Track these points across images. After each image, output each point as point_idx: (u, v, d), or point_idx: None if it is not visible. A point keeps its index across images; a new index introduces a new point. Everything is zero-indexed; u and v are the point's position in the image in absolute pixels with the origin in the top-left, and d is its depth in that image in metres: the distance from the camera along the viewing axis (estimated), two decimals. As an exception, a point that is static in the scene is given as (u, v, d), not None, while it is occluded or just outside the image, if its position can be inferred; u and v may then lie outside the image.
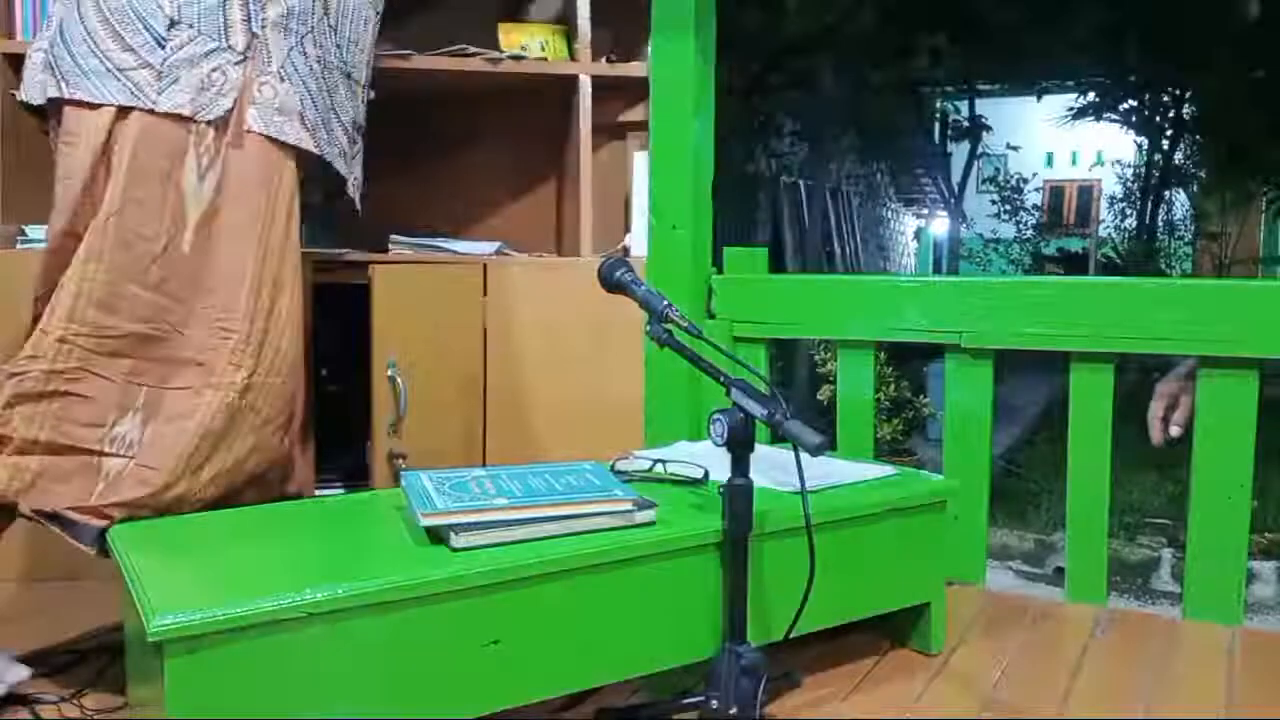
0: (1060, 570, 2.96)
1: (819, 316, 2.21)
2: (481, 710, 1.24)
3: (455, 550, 1.25)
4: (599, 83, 2.55)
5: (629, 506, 1.36)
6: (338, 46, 1.76)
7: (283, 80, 1.66)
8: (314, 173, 1.78)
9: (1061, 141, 13.52)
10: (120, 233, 1.55)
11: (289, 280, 1.66)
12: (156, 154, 1.58)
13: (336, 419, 2.38)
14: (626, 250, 2.55)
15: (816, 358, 5.76)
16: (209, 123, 1.61)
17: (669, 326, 1.44)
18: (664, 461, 1.62)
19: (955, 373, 2.06)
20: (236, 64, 1.62)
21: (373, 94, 1.97)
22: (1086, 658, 1.71)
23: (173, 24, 1.59)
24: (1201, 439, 1.84)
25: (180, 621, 1.05)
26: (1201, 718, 1.50)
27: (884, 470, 1.72)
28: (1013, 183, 11.78)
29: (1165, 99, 9.09)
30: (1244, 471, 1.81)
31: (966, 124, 9.99)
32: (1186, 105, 9.10)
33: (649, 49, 2.24)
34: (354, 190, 1.86)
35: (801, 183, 10.39)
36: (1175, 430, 1.77)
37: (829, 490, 1.56)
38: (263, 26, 1.65)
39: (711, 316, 2.24)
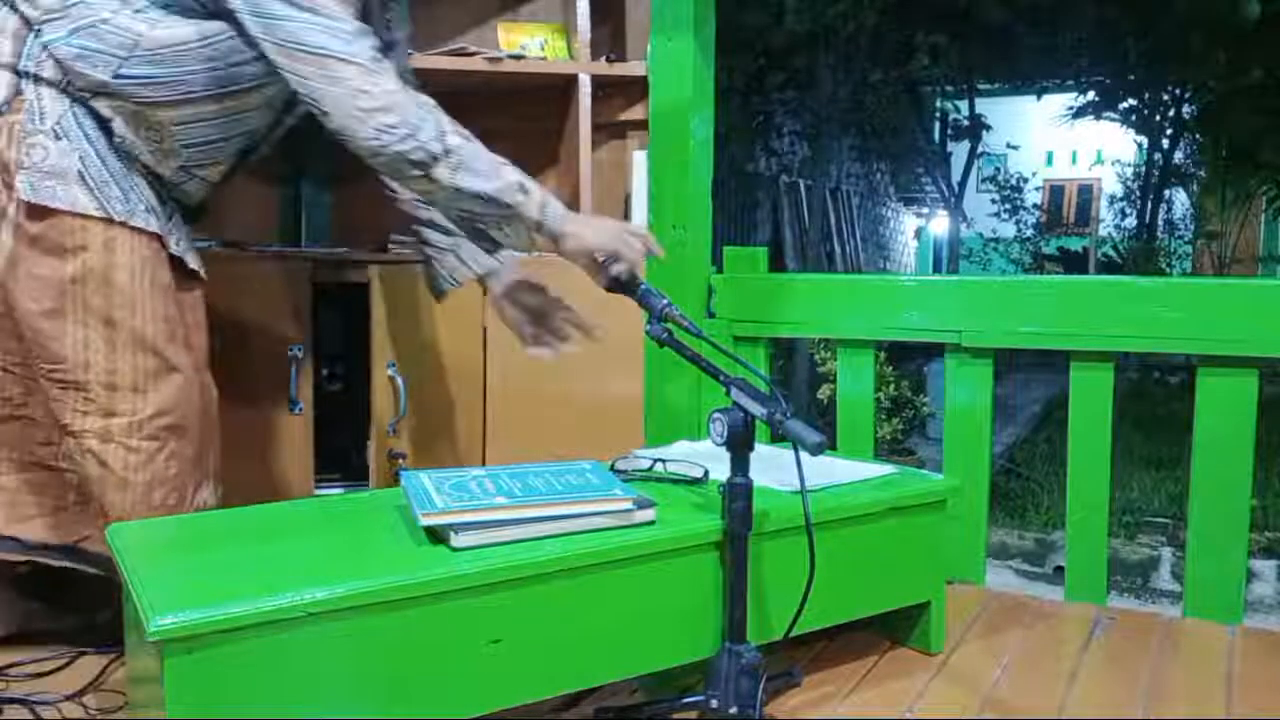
0: (1060, 569, 2.97)
1: (819, 316, 2.21)
2: (481, 710, 1.24)
3: (455, 550, 1.25)
4: (599, 82, 2.55)
5: (628, 506, 1.36)
6: (151, 129, 1.55)
7: (58, 139, 1.50)
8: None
9: (1061, 141, 13.51)
10: None
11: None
12: None
13: (336, 419, 2.38)
14: (626, 250, 2.54)
15: (816, 358, 5.76)
16: None
17: (669, 326, 1.44)
18: (664, 461, 1.62)
19: (955, 372, 2.06)
20: None
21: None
22: (1086, 657, 1.71)
23: None
24: (1201, 439, 1.84)
25: (180, 621, 1.05)
26: (1201, 718, 1.50)
27: (884, 469, 1.72)
28: (1013, 182, 11.77)
29: (1165, 98, 9.09)
30: (1244, 471, 1.81)
31: (966, 123, 9.97)
32: (1186, 105, 9.11)
33: (649, 49, 2.24)
34: (175, 249, 1.63)
35: (801, 182, 10.38)
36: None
37: (829, 490, 1.56)
38: (36, 81, 1.49)
39: (711, 316, 2.24)
